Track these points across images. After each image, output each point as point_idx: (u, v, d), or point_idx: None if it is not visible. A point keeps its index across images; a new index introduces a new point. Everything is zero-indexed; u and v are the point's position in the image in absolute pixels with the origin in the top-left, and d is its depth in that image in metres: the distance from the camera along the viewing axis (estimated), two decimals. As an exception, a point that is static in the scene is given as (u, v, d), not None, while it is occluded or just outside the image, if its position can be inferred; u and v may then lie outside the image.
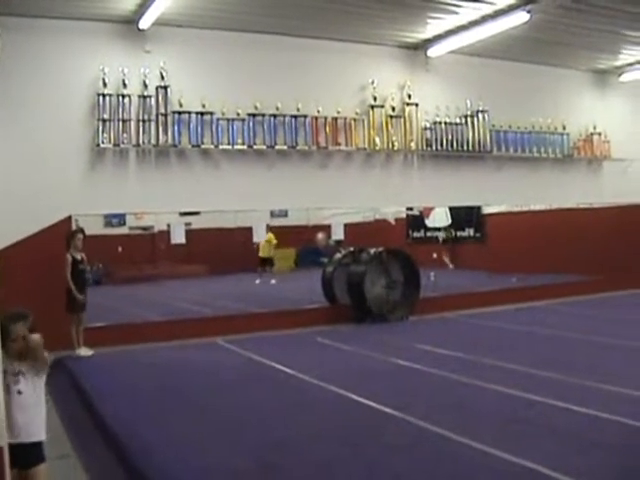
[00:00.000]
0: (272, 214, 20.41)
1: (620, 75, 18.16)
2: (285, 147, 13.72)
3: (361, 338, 13.21)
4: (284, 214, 21.17)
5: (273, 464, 6.37)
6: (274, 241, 22.97)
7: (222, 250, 23.32)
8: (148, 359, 11.40)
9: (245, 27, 13.23)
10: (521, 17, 12.73)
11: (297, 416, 8.07)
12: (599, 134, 17.78)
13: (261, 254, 23.15)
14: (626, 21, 13.90)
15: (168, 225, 15.70)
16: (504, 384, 8.92)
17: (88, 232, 12.53)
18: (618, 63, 17.42)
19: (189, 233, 18.05)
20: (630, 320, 14.15)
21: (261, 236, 20.43)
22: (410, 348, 11.96)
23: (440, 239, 21.11)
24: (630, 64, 17.44)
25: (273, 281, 22.40)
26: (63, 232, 11.78)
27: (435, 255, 21.04)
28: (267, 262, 23.55)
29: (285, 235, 23.74)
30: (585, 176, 17.88)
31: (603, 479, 5.60)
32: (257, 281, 22.44)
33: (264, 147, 13.53)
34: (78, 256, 11.60)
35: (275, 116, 13.59)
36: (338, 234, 17.45)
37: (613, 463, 6.05)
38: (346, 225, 17.23)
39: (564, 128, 17.17)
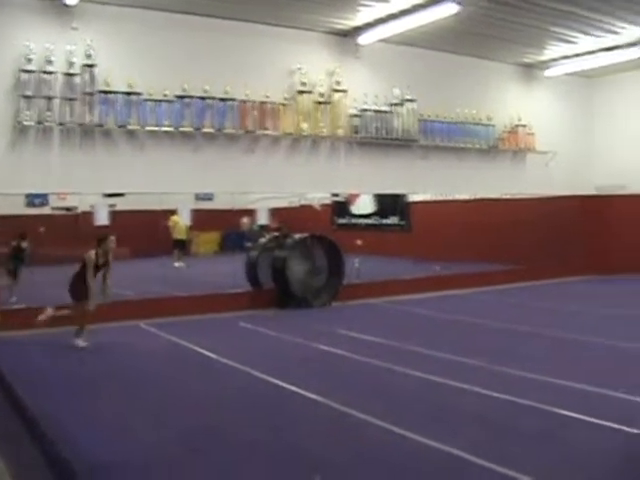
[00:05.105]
0: (197, 197, 20.21)
1: (545, 70, 18.46)
2: (212, 130, 13.59)
3: (284, 323, 13.22)
4: (209, 197, 20.98)
5: (196, 448, 6.35)
6: (180, 223, 22.64)
7: (147, 232, 22.98)
8: (69, 342, 11.21)
9: (175, 7, 13.06)
10: (451, 8, 12.82)
11: (220, 400, 8.05)
12: (524, 126, 18.05)
13: (177, 236, 22.80)
14: (552, 17, 14.17)
15: (92, 206, 15.43)
16: (427, 371, 9.03)
17: (8, 212, 12.25)
18: (544, 58, 17.70)
19: (113, 215, 17.72)
20: (550, 309, 14.47)
21: (186, 219, 20.23)
22: (333, 334, 12.00)
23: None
24: (555, 59, 17.74)
25: (176, 264, 22.04)
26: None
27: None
28: (183, 245, 23.18)
29: (210, 219, 23.54)
30: (509, 167, 18.15)
31: (526, 466, 5.68)
32: (176, 264, 22.14)
33: (191, 129, 13.39)
34: None
35: (203, 98, 13.45)
36: (263, 219, 17.41)
37: (536, 449, 6.16)
38: (272, 210, 17.20)
39: (490, 119, 17.39)
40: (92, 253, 11.20)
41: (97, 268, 11.27)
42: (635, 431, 6.52)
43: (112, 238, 11.56)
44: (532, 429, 6.72)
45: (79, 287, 11.22)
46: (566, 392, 8.01)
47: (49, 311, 11.42)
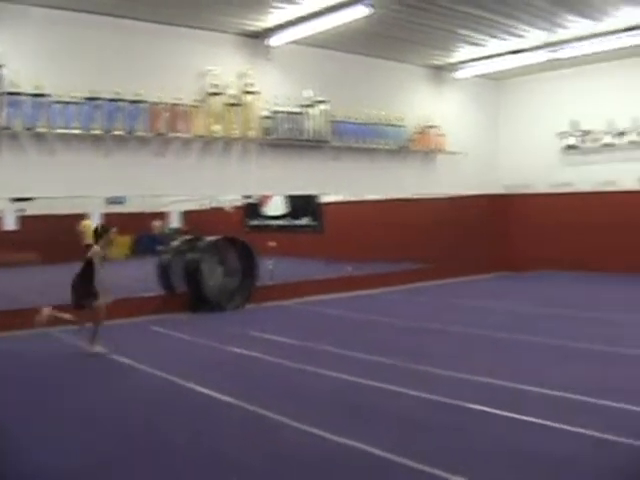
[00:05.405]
0: (108, 201, 19.94)
1: (454, 72, 18.77)
2: (123, 133, 13.43)
3: (198, 327, 13.16)
4: (120, 201, 20.71)
5: (112, 454, 6.28)
6: (92, 228, 22.34)
7: (58, 237, 22.63)
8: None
9: (85, 7, 12.82)
10: (362, 11, 12.92)
11: (135, 405, 7.98)
12: (434, 127, 18.30)
13: (88, 241, 22.47)
14: (460, 20, 14.44)
15: (-1, 211, 15.10)
16: (341, 370, 9.11)
17: None
18: (453, 60, 18.01)
19: (23, 220, 17.35)
20: (460, 307, 14.74)
21: (96, 223, 19.88)
22: (247, 336, 12.01)
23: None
24: (463, 62, 18.06)
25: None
26: None
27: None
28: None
29: (121, 222, 23.22)
30: (420, 168, 18.41)
31: (438, 460, 5.78)
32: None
33: (101, 132, 13.20)
34: None
35: (114, 100, 13.26)
36: (175, 222, 17.26)
37: (447, 445, 6.27)
38: (184, 213, 17.08)
39: (401, 120, 17.59)
40: (98, 248, 10.96)
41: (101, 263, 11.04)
42: (547, 423, 6.72)
43: (114, 230, 11.29)
44: (449, 425, 6.86)
45: (86, 289, 10.92)
46: (478, 387, 8.19)
47: (46, 311, 10.95)
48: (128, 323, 13.39)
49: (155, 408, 7.90)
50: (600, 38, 15.55)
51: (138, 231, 25.00)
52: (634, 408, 7.12)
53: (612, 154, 18.64)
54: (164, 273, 15.46)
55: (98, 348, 10.81)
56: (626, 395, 7.54)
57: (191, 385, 8.65)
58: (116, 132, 13.29)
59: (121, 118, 13.31)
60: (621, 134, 18.39)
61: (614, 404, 7.30)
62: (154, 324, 13.18)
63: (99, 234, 11.19)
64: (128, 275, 18.87)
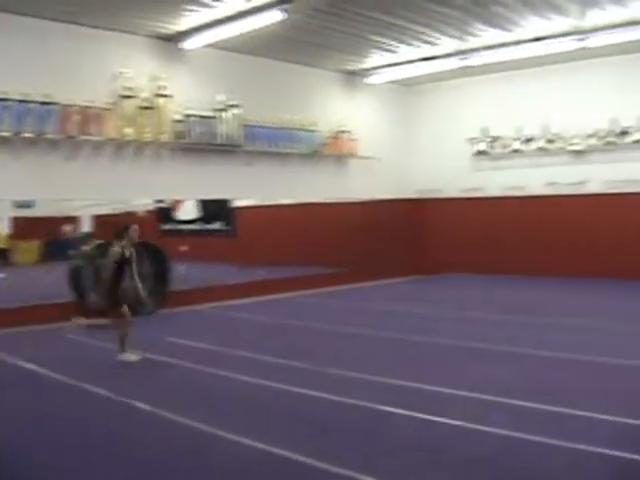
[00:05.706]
0: (16, 204, 19.57)
1: (367, 77, 18.95)
2: (32, 135, 13.20)
3: (111, 333, 12.97)
4: (29, 205, 20.34)
5: (39, 464, 6.18)
6: (1, 232, 22.06)
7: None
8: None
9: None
10: (276, 16, 12.95)
11: (48, 413, 7.84)
12: (347, 132, 18.45)
13: None
14: (373, 27, 14.65)
15: None
16: (254, 374, 9.13)
17: None
18: (365, 66, 18.22)
19: None
20: (374, 310, 14.88)
21: (4, 227, 19.61)
22: (160, 341, 11.91)
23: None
24: (376, 67, 18.27)
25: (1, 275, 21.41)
26: None
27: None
28: (3, 254, 22.53)
29: (31, 227, 22.85)
30: (333, 172, 18.54)
31: (351, 462, 5.82)
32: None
33: (10, 134, 12.95)
34: None
35: (23, 102, 13.01)
36: (87, 226, 17.00)
37: (360, 446, 6.32)
38: (97, 217, 16.86)
39: (314, 125, 17.69)
40: (117, 248, 10.51)
41: (127, 264, 10.63)
42: (459, 423, 6.84)
43: (135, 227, 10.81)
44: (363, 428, 6.92)
45: (112, 292, 10.58)
46: (391, 390, 8.29)
47: (82, 320, 10.91)
48: (42, 330, 13.10)
49: (67, 416, 7.76)
50: (509, 47, 15.91)
51: (48, 236, 24.60)
52: (544, 407, 7.28)
53: (521, 160, 19.12)
54: (76, 279, 15.20)
55: (129, 356, 10.55)
56: (536, 395, 7.73)
57: (102, 392, 8.54)
58: (25, 134, 13.05)
59: (31, 120, 13.07)
60: (529, 140, 18.84)
61: (524, 403, 7.46)
62: (68, 331, 12.93)
63: (120, 233, 10.73)
64: (40, 281, 18.54)
